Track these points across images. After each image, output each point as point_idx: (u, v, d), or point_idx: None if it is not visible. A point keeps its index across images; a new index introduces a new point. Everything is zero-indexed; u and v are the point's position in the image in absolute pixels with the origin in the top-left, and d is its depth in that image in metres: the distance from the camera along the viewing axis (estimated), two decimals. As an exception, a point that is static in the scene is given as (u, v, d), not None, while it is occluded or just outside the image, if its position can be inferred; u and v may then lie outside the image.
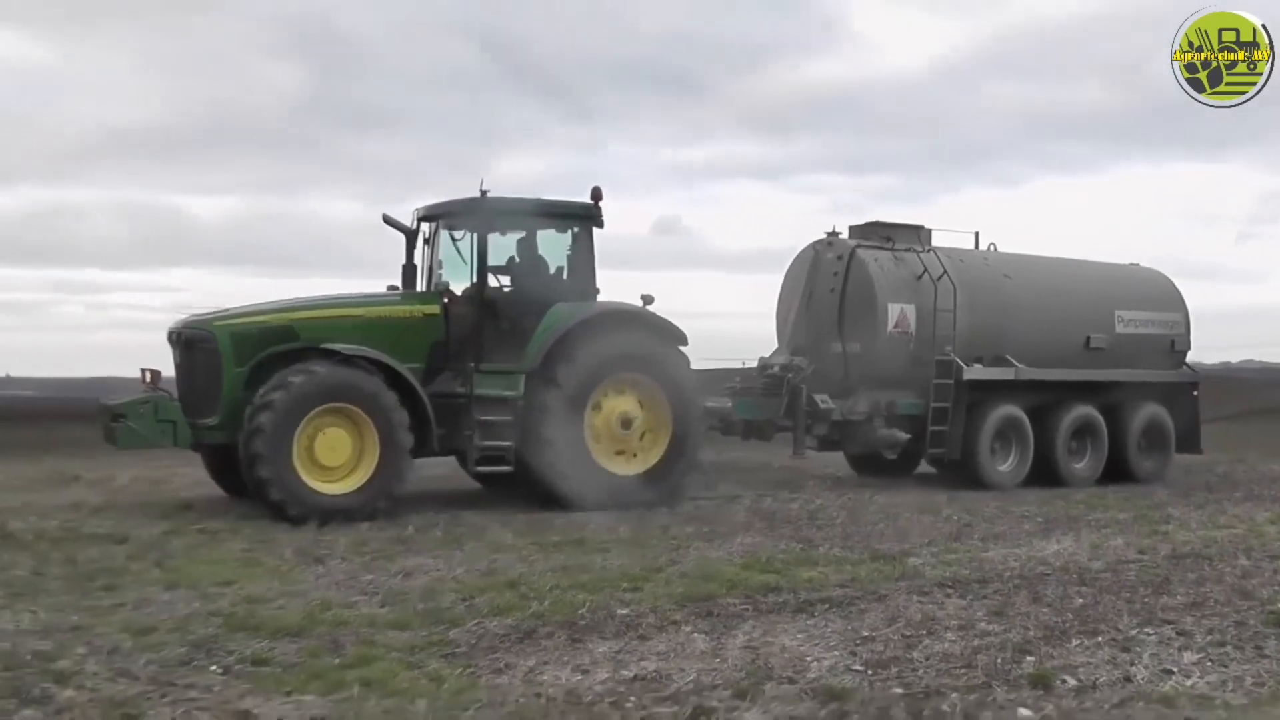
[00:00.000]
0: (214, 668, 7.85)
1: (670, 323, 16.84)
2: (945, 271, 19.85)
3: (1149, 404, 21.81)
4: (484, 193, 16.18)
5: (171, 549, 12.45)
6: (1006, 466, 20.13)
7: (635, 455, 16.66)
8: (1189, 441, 22.69)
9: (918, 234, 20.89)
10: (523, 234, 17.21)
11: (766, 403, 19.51)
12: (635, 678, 7.70)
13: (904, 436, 19.63)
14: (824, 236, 20.61)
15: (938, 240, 20.97)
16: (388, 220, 16.99)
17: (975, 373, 19.83)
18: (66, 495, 17.26)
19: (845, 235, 20.85)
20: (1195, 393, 22.98)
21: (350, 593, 10.26)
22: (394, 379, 15.22)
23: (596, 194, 16.86)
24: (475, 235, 16.42)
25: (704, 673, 7.79)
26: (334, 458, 14.83)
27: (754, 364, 20.52)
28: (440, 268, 17.09)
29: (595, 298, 16.89)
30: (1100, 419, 20.99)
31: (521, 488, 16.33)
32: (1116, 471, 21.10)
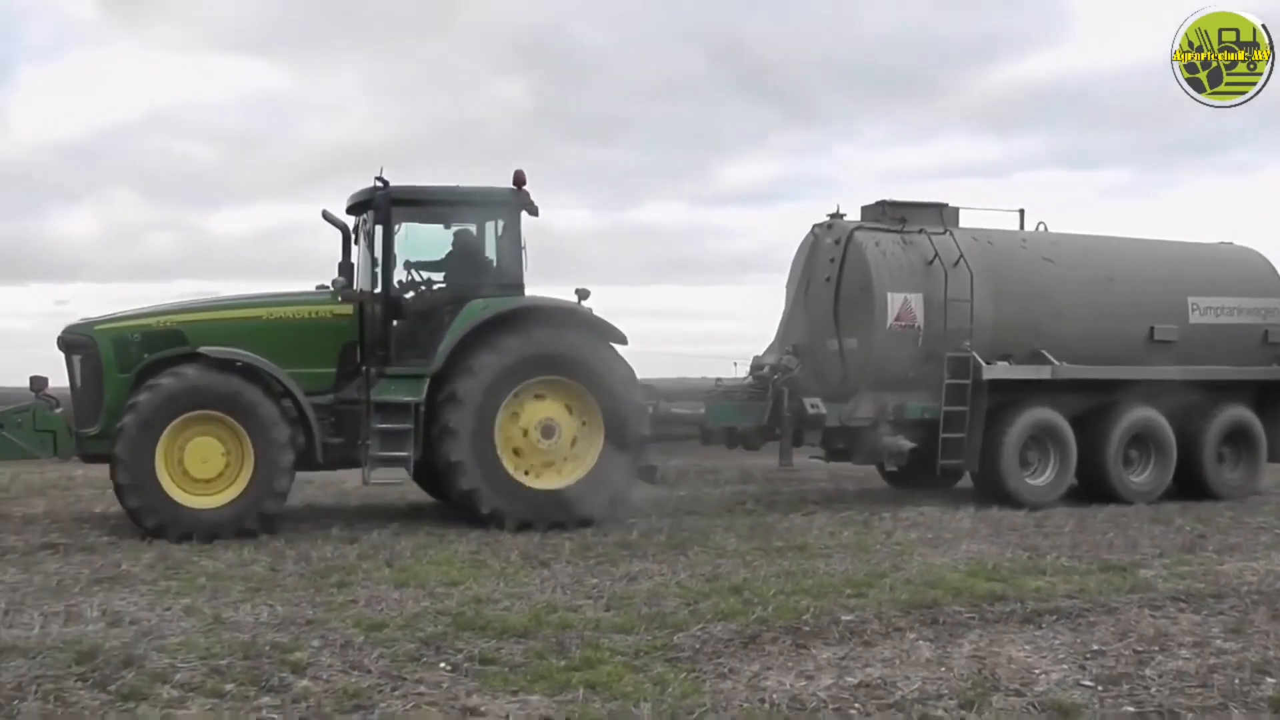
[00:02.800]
0: (443, 665, 8.00)
1: (602, 319, 15.23)
2: (962, 256, 17.52)
3: (1233, 406, 18.93)
4: (383, 183, 14.89)
5: (400, 549, 12.73)
6: (1041, 479, 17.63)
7: (567, 467, 15.06)
8: None
9: (939, 213, 18.39)
10: (442, 226, 16.00)
11: (750, 408, 17.40)
12: (860, 684, 7.61)
13: (908, 445, 17.12)
14: (826, 218, 18.52)
15: (972, 220, 18.59)
16: (325, 216, 15.70)
17: (997, 371, 17.28)
18: (298, 496, 17.70)
19: (854, 217, 18.53)
20: None
21: (575, 595, 10.35)
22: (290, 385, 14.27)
23: (519, 178, 15.36)
24: (381, 228, 15.07)
25: (929, 681, 7.67)
26: (206, 469, 13.79)
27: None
28: (377, 266, 15.34)
29: (521, 292, 15.40)
30: (1165, 424, 18.20)
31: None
32: (1191, 485, 18.49)
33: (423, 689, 7.42)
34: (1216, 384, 18.76)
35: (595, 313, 15.22)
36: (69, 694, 7.20)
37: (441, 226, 16.01)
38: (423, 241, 15.77)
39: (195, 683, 7.45)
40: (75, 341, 14.56)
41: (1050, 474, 17.64)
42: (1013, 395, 17.40)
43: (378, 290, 15.05)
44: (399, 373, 14.67)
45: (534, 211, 15.64)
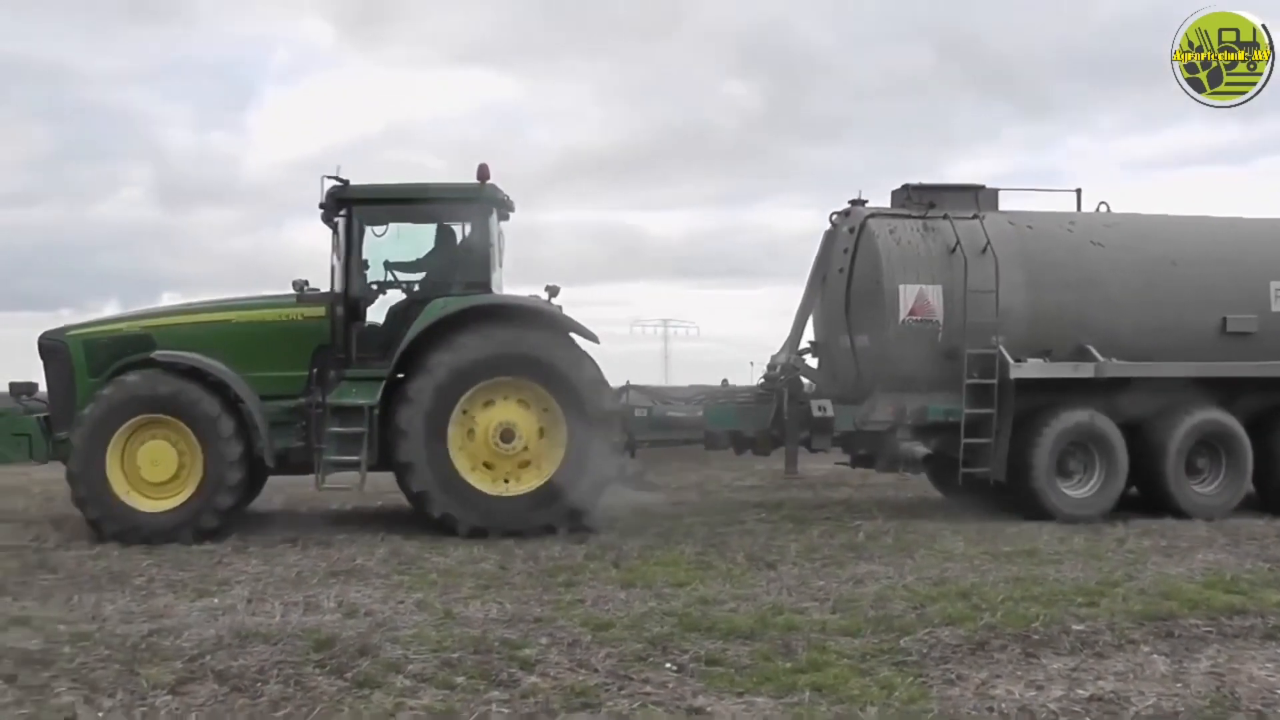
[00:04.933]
0: (669, 665, 8.05)
1: (570, 318, 14.63)
2: (989, 242, 15.89)
3: None
4: (341, 181, 14.63)
5: (627, 550, 12.87)
6: (1084, 491, 15.86)
7: (530, 472, 14.45)
8: None
9: (975, 196, 16.85)
10: (409, 224, 15.49)
11: (754, 411, 16.28)
12: (1091, 697, 7.42)
13: (922, 451, 15.99)
14: (846, 205, 17.04)
15: (1019, 202, 17.11)
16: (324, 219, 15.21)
17: (1027, 370, 15.65)
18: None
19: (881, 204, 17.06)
20: None
21: (801, 598, 10.31)
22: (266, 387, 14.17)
23: (482, 172, 14.80)
24: (342, 227, 14.76)
25: (1164, 697, 7.43)
26: (158, 473, 13.71)
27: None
28: (367, 267, 15.03)
29: (489, 291, 14.91)
30: (1238, 428, 16.21)
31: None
32: (1275, 497, 16.50)
33: (649, 689, 7.48)
34: None
35: (565, 311, 14.72)
36: (307, 679, 7.48)
37: (409, 225, 15.57)
38: (390, 241, 15.29)
39: (427, 674, 7.66)
40: (49, 347, 14.69)
41: (1094, 484, 15.91)
42: (1052, 396, 15.86)
43: (339, 291, 14.79)
44: (359, 375, 14.43)
45: (507, 208, 15.51)
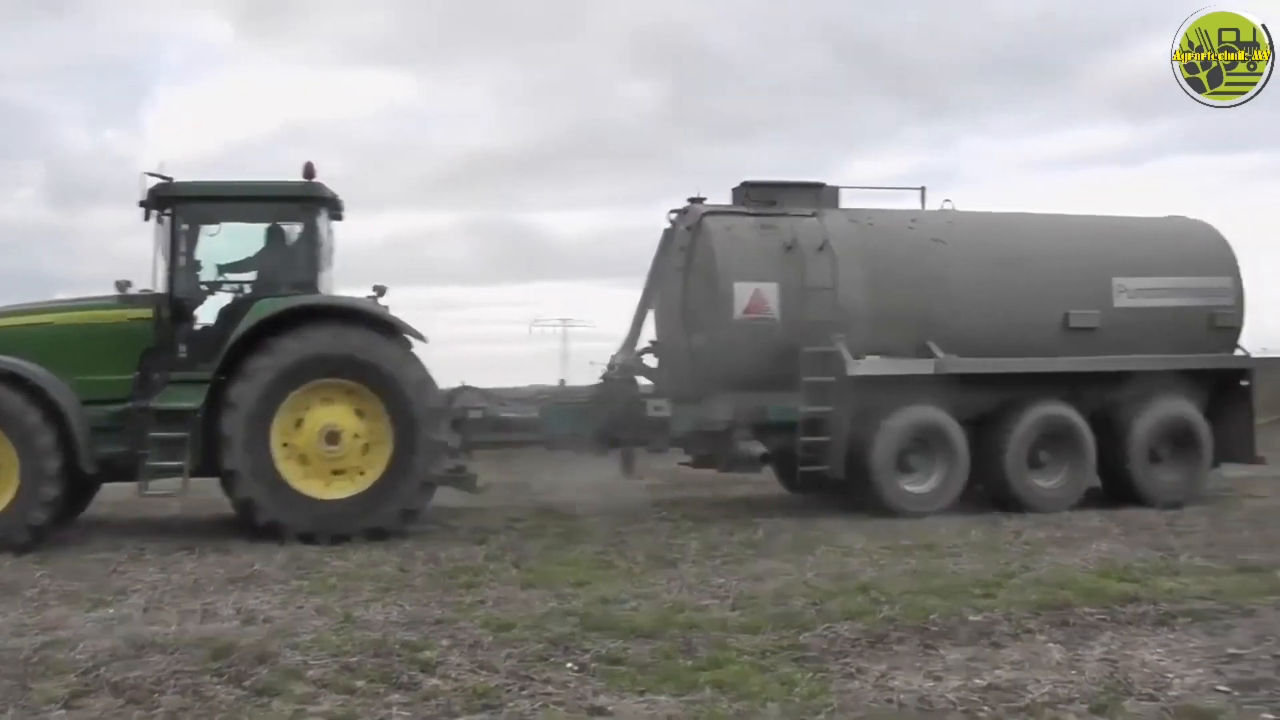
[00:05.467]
0: (570, 665, 8.04)
1: (395, 318, 14.40)
2: (826, 240, 15.86)
3: (1169, 400, 16.98)
4: (165, 178, 14.23)
5: (528, 550, 12.89)
6: (925, 487, 15.89)
7: (358, 475, 14.12)
8: (1240, 447, 17.56)
9: (816, 194, 16.81)
10: (237, 223, 15.08)
11: (590, 412, 16.13)
12: (989, 686, 7.51)
13: (759, 449, 15.66)
14: (685, 203, 16.80)
15: (862, 200, 17.20)
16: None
17: (866, 367, 15.56)
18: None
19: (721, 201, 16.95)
20: (1245, 383, 17.72)
21: (702, 596, 10.35)
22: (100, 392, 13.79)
23: (307, 170, 14.56)
24: (168, 226, 14.35)
25: (1060, 685, 7.55)
26: None
27: None
28: (199, 267, 14.73)
29: (314, 292, 14.70)
30: (1081, 422, 16.47)
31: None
32: (1120, 490, 16.84)
33: (550, 689, 7.46)
34: (1150, 375, 17.02)
35: (390, 311, 14.54)
36: (205, 689, 7.38)
37: (237, 224, 15.15)
38: (217, 240, 14.91)
39: (327, 679, 7.59)
40: None
41: (936, 480, 15.95)
42: (893, 394, 15.76)
43: (163, 292, 14.38)
44: (185, 378, 14.04)
45: (337, 207, 15.30)
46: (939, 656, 8.28)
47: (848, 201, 17.13)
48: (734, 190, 16.98)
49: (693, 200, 16.61)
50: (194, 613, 9.67)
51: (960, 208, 17.52)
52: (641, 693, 7.36)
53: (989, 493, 16.34)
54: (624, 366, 16.45)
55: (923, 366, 15.80)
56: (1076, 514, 15.47)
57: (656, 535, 13.80)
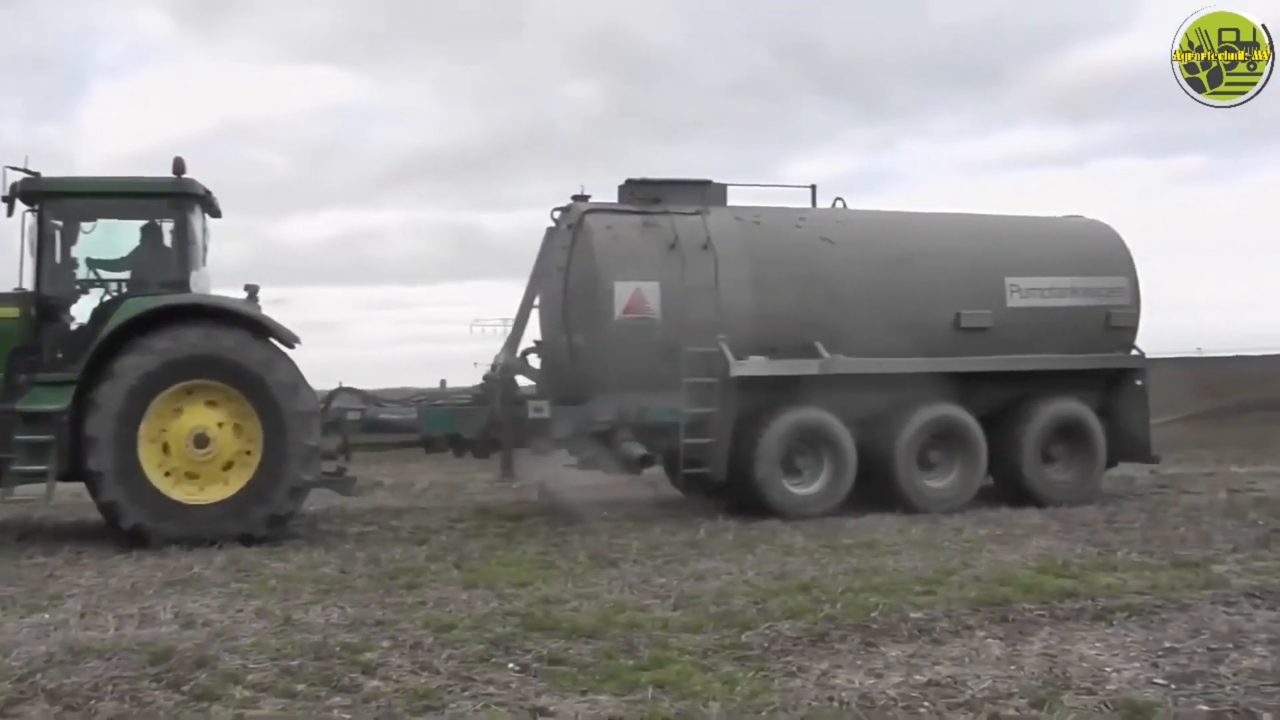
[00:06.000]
0: (511, 665, 8.02)
1: (267, 319, 14.05)
2: (709, 238, 15.66)
3: (1061, 400, 17.01)
4: (31, 173, 13.96)
5: (469, 551, 12.86)
6: (811, 488, 15.69)
7: (228, 479, 13.75)
8: (1136, 447, 17.68)
9: (702, 192, 16.47)
10: (109, 220, 14.77)
11: (470, 413, 15.85)
12: (929, 683, 7.55)
13: (639, 452, 15.29)
14: (570, 201, 16.44)
15: (752, 198, 16.96)
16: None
17: (749, 368, 15.39)
18: (370, 500, 17.87)
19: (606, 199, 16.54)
20: (1140, 382, 17.80)
21: (644, 595, 10.35)
22: None
23: (177, 166, 14.21)
24: (35, 223, 14.04)
25: (999, 680, 7.59)
26: None
27: None
28: (69, 265, 14.43)
29: (186, 291, 14.27)
30: (972, 422, 16.40)
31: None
32: (1012, 489, 16.80)
33: (492, 689, 7.44)
34: (1043, 376, 17.04)
35: (263, 311, 14.19)
36: (144, 694, 7.29)
37: (109, 221, 14.83)
38: (87, 238, 14.55)
39: (267, 683, 7.52)
40: None
41: (822, 482, 15.76)
42: (779, 394, 15.64)
43: (31, 290, 14.03)
44: (52, 380, 13.65)
45: (210, 204, 14.95)
46: (880, 654, 8.31)
47: (738, 200, 16.93)
48: (620, 188, 16.63)
49: (576, 198, 16.30)
50: (131, 617, 9.54)
51: (855, 206, 17.51)
52: (583, 693, 7.35)
53: (879, 493, 16.02)
54: (505, 367, 16.15)
55: (807, 367, 15.66)
56: (1016, 511, 15.59)
57: (598, 535, 13.79)
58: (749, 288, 15.73)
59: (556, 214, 16.42)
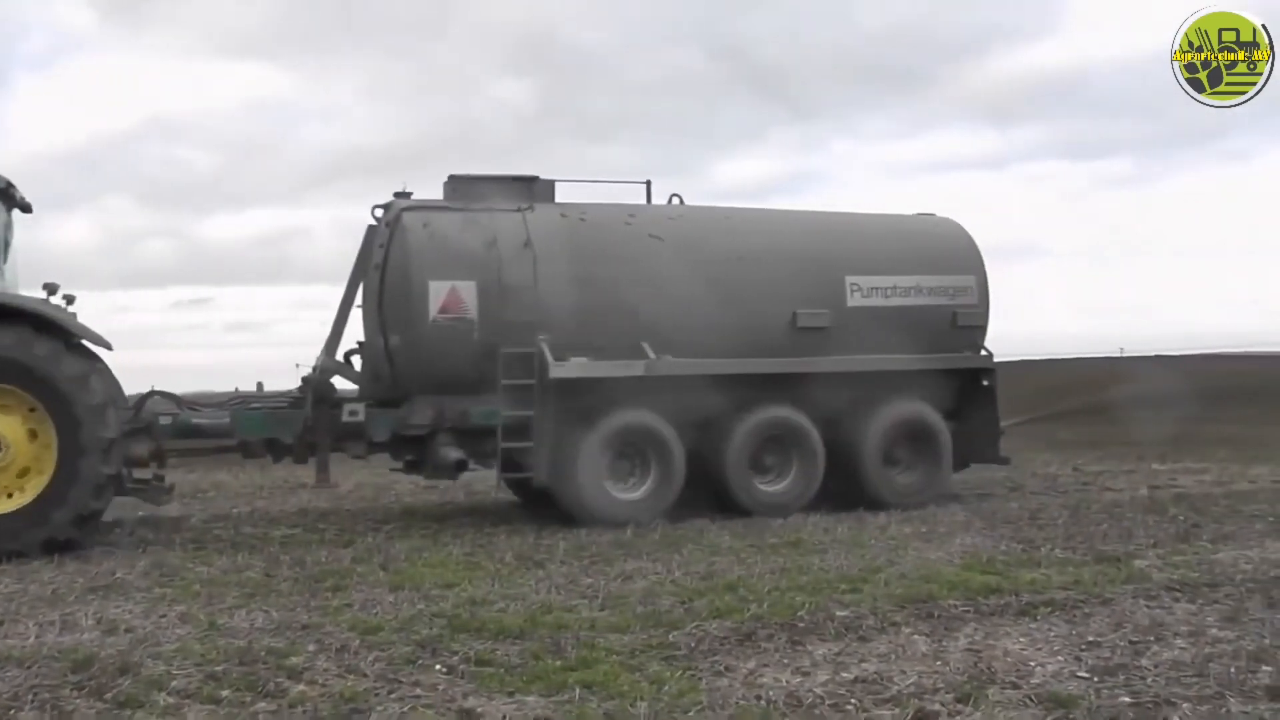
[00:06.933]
0: (438, 667, 8.00)
1: (63, 318, 13.47)
2: (529, 237, 15.25)
3: (905, 402, 16.55)
4: None
5: (395, 552, 12.77)
6: (638, 493, 15.20)
7: (25, 484, 13.17)
8: (985, 449, 17.27)
9: (529, 188, 15.93)
10: None
11: (288, 417, 15.23)
12: (856, 680, 7.59)
13: (455, 456, 14.84)
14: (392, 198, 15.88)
15: (583, 194, 16.41)
16: None
17: (570, 369, 14.87)
18: (294, 501, 17.77)
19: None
20: (987, 383, 17.36)
21: (570, 596, 10.34)
22: None
23: None
24: None
25: (925, 675, 7.65)
26: None
27: None
28: None
29: None
30: (808, 425, 15.88)
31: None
32: (854, 492, 16.17)
33: (419, 691, 7.42)
34: (886, 376, 16.45)
35: (64, 311, 13.63)
36: (65, 702, 7.19)
37: None
38: None
39: (191, 689, 7.45)
40: None
41: (649, 486, 15.23)
42: (605, 397, 15.08)
43: None
44: None
45: (12, 199, 14.26)
46: (807, 652, 8.34)
47: (571, 196, 16.36)
48: (444, 185, 16.02)
49: (399, 194, 15.75)
50: (52, 624, 9.40)
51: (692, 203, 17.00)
52: (511, 694, 7.34)
53: (713, 497, 15.62)
54: (322, 369, 15.56)
55: (632, 368, 15.10)
56: (940, 509, 15.69)
57: (524, 536, 13.76)
58: (571, 287, 15.28)
59: (379, 211, 15.88)
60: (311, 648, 8.44)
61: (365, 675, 7.75)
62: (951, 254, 17.37)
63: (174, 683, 7.55)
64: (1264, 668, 7.79)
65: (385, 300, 15.33)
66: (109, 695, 7.31)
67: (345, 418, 15.10)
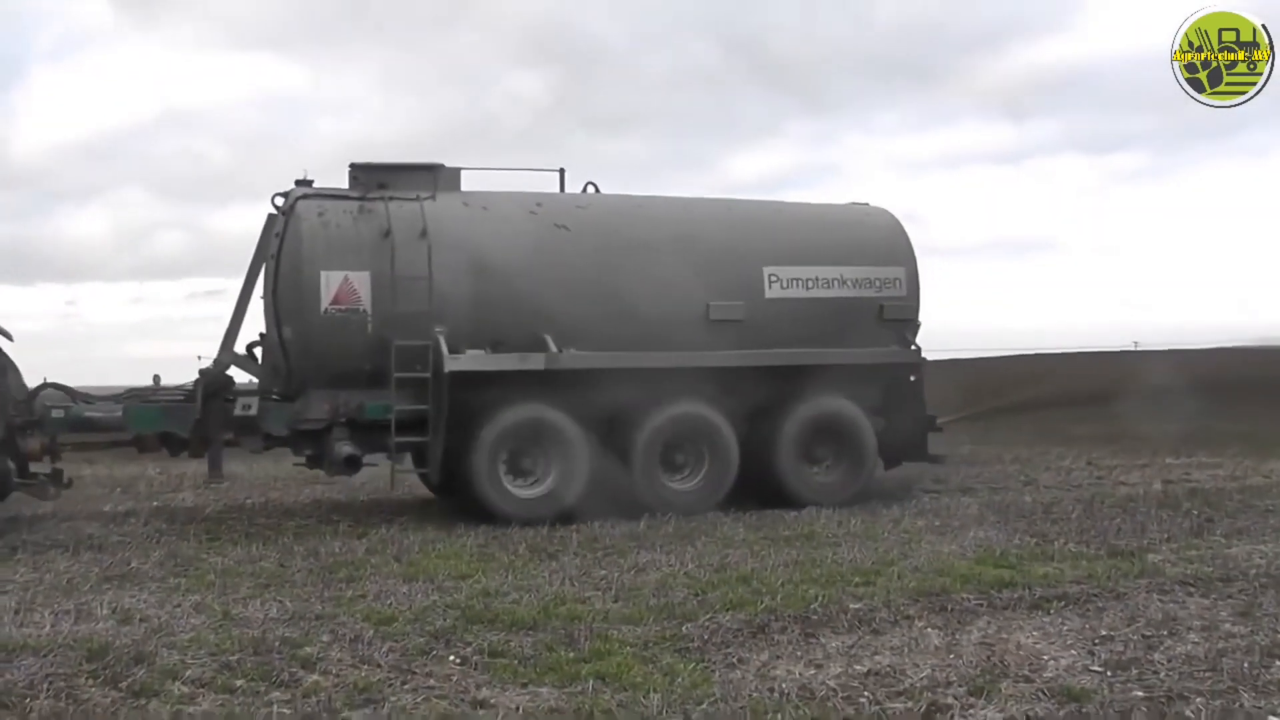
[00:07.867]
0: (452, 658, 8.02)
1: None
2: (425, 227, 14.75)
3: (825, 397, 15.85)
4: None
5: (409, 544, 12.76)
6: (537, 490, 14.73)
7: None
8: (912, 446, 16.67)
9: (433, 176, 15.38)
10: None
11: (182, 410, 14.83)
12: (869, 672, 7.61)
13: (347, 451, 14.41)
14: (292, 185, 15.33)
15: (492, 182, 15.97)
16: None
17: (465, 362, 14.39)
18: (308, 493, 17.79)
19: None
20: (914, 379, 16.65)
21: (584, 587, 10.34)
22: None
23: None
24: None
25: (938, 669, 7.66)
26: None
27: None
28: None
29: None
30: (720, 421, 15.36)
31: None
32: (772, 490, 15.63)
33: (432, 682, 7.44)
34: (806, 371, 15.78)
35: None
36: (80, 691, 7.23)
37: None
38: None
39: (206, 679, 7.48)
40: None
41: (549, 483, 14.74)
42: (504, 391, 14.60)
43: None
44: None
45: None
46: (820, 645, 8.35)
47: (478, 185, 15.90)
48: (348, 172, 15.52)
49: (300, 182, 15.19)
50: (68, 613, 9.43)
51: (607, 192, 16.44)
52: (524, 685, 7.36)
53: (620, 495, 14.77)
54: (219, 361, 15.16)
55: (532, 362, 14.67)
56: (954, 502, 15.67)
57: (538, 528, 13.74)
58: (469, 278, 14.79)
59: (279, 200, 15.31)
60: (325, 638, 8.46)
61: (379, 666, 7.77)
62: (879, 245, 16.77)
63: (188, 672, 7.57)
64: (1277, 662, 7.80)
65: (279, 291, 14.94)
66: (124, 684, 7.35)
67: (238, 411, 14.76)
